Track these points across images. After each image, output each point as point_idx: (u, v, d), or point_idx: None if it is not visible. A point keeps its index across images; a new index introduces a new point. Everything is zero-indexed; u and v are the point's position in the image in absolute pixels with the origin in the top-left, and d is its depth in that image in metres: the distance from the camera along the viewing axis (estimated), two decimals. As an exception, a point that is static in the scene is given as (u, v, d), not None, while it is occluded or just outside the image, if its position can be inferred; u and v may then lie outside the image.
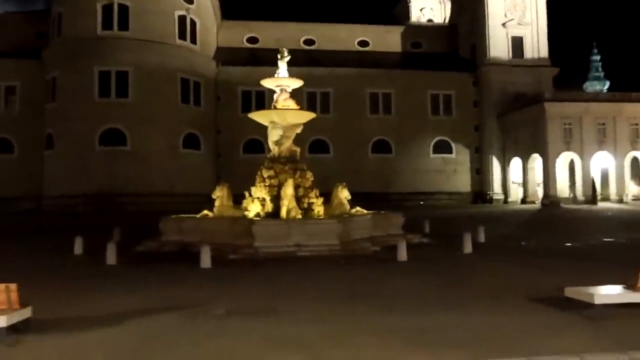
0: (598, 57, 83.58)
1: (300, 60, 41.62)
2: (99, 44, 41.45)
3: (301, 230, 14.45)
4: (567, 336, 5.97)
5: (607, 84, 79.99)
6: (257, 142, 41.39)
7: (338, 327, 6.40)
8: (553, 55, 51.95)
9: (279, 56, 18.69)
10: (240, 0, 55.70)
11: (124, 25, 42.01)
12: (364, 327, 6.38)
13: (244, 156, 45.76)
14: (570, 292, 7.09)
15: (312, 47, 53.63)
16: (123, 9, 42.10)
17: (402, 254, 12.78)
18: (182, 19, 44.62)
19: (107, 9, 41.91)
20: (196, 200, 31.81)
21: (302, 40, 53.61)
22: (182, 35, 44.46)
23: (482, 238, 16.75)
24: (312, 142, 47.07)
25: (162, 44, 42.72)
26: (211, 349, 5.56)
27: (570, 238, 17.85)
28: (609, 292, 6.97)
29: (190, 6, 45.24)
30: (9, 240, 19.51)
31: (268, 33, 52.02)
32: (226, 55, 49.23)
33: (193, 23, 45.72)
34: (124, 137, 41.00)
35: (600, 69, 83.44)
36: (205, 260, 11.97)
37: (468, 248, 14.21)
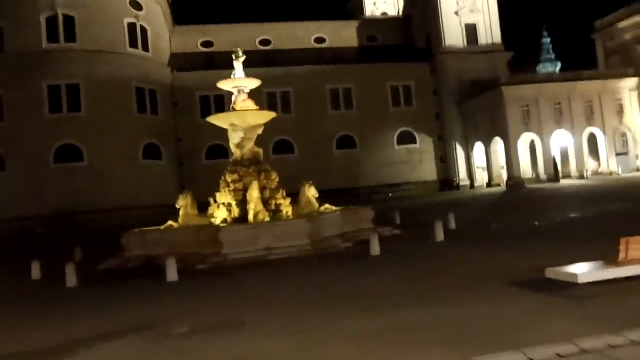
0: (548, 40, 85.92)
1: (257, 61, 41.07)
2: (45, 57, 39.73)
3: (270, 233, 14.00)
4: (555, 321, 5.66)
5: (559, 65, 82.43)
6: (220, 147, 40.44)
7: (310, 337, 5.90)
8: (506, 40, 53.04)
9: (234, 57, 18.18)
10: (192, 5, 54.50)
11: (71, 36, 40.40)
12: (339, 334, 5.90)
13: (207, 162, 44.83)
14: (552, 273, 6.79)
15: (269, 48, 53.08)
16: (69, 20, 40.48)
17: (375, 249, 12.52)
18: (132, 26, 43.28)
19: (52, 21, 40.22)
20: (161, 211, 30.71)
21: (258, 41, 52.98)
22: (133, 43, 43.11)
23: (452, 225, 16.69)
24: (275, 142, 46.61)
25: (113, 54, 41.32)
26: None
27: (538, 217, 18.02)
28: (592, 270, 6.71)
29: (139, 13, 43.91)
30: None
31: (223, 36, 51.15)
32: (181, 61, 48.14)
33: (144, 30, 44.42)
34: (80, 153, 39.47)
35: (551, 50, 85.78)
36: (172, 274, 11.38)
37: (440, 236, 14.09)
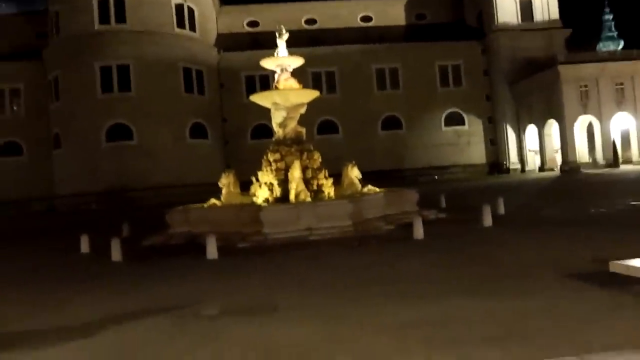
0: (610, 17, 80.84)
1: (302, 41, 40.74)
2: (97, 39, 40.89)
3: (311, 213, 13.79)
4: (622, 323, 4.92)
5: (621, 43, 77.41)
6: (264, 127, 40.45)
7: (345, 325, 5.45)
8: (564, 16, 50.17)
9: (277, 35, 17.92)
10: (238, -16, 54.43)
11: (121, 18, 41.34)
12: (375, 324, 5.42)
13: (252, 142, 45.17)
14: (617, 266, 5.93)
15: (314, 27, 52.50)
16: (119, 2, 41.41)
17: (418, 232, 12.06)
18: (179, 7, 43.78)
19: (103, 3, 41.25)
20: (206, 189, 31.21)
21: (303, 20, 52.49)
22: (180, 24, 43.66)
23: (501, 210, 15.92)
24: (320, 123, 46.37)
25: (161, 34, 42.03)
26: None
27: (596, 204, 16.96)
28: (667, 266, 5.82)
29: (186, -7, 44.34)
30: (16, 242, 19.23)
31: (268, 15, 50.93)
32: (227, 42, 48.37)
33: (191, 11, 44.85)
34: (130, 132, 40.66)
35: (613, 28, 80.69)
36: (212, 251, 11.39)
37: (488, 221, 13.44)
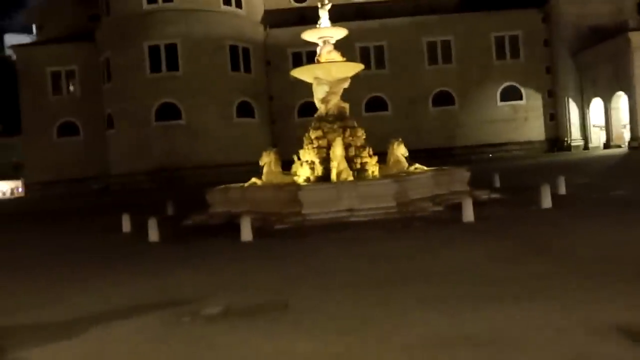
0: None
1: (350, 15, 39.53)
2: (145, 19, 41.18)
3: (353, 193, 13.06)
4: None
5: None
6: (311, 104, 39.65)
7: (363, 337, 4.45)
8: (636, -22, 45.86)
9: (319, 4, 17.05)
10: (285, -41, 53.22)
11: (168, -3, 41.37)
12: (402, 337, 4.36)
13: (299, 120, 44.47)
14: None
15: (363, 0, 50.69)
16: (166, -20, 41.35)
17: (468, 214, 11.06)
18: (225, -16, 43.29)
19: (151, -18, 41.35)
20: (253, 169, 31.13)
21: (351, -6, 50.77)
22: (227, 1, 43.22)
23: (562, 190, 14.53)
24: (368, 100, 45.12)
25: (208, 12, 41.78)
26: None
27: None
28: None
29: (232, -30, 43.73)
30: (65, 221, 19.63)
31: (315, -10, 49.56)
32: (274, 18, 47.60)
33: (237, -13, 44.28)
34: (179, 111, 40.98)
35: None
36: (246, 233, 10.89)
37: (547, 202, 12.19)
